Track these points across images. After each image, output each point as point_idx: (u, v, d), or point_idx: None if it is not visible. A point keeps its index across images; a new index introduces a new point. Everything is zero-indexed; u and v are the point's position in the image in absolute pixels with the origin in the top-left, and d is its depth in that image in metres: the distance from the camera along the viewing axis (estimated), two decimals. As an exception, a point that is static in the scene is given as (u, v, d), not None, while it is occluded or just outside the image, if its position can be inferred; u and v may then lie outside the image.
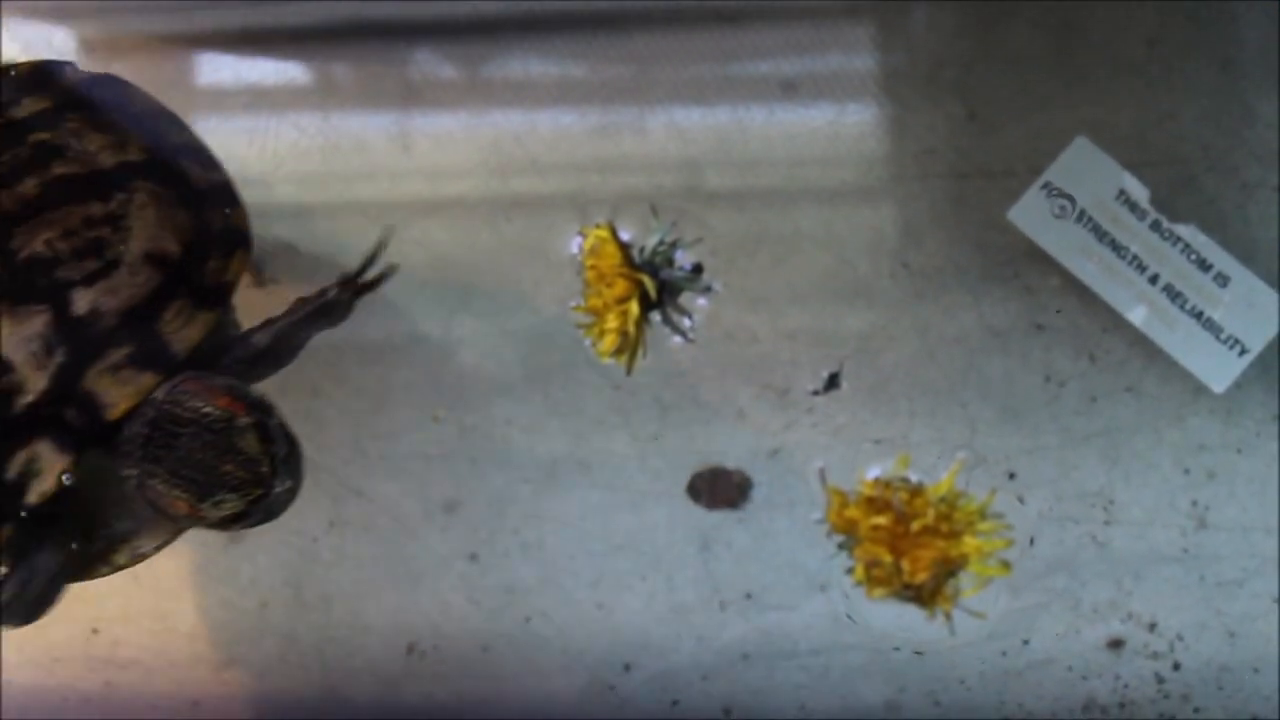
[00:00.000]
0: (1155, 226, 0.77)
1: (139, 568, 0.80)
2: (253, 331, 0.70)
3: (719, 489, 0.80)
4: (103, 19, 0.88)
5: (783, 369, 0.80)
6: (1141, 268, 0.77)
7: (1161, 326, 0.77)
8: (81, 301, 0.63)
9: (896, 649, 0.78)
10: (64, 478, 0.62)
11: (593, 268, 0.63)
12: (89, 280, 0.64)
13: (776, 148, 0.82)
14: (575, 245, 0.62)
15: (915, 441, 0.78)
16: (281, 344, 0.71)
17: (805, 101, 0.82)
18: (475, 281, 0.83)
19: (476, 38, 0.85)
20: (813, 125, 0.82)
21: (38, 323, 0.62)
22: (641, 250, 0.62)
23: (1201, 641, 0.77)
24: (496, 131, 0.84)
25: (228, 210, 0.71)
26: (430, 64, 0.85)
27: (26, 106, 0.71)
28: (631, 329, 0.61)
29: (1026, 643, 0.78)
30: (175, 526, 0.67)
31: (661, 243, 0.61)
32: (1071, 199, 0.78)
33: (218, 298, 0.68)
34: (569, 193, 0.82)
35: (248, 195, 0.76)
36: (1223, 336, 0.76)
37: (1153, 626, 0.77)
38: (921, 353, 0.79)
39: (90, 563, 0.69)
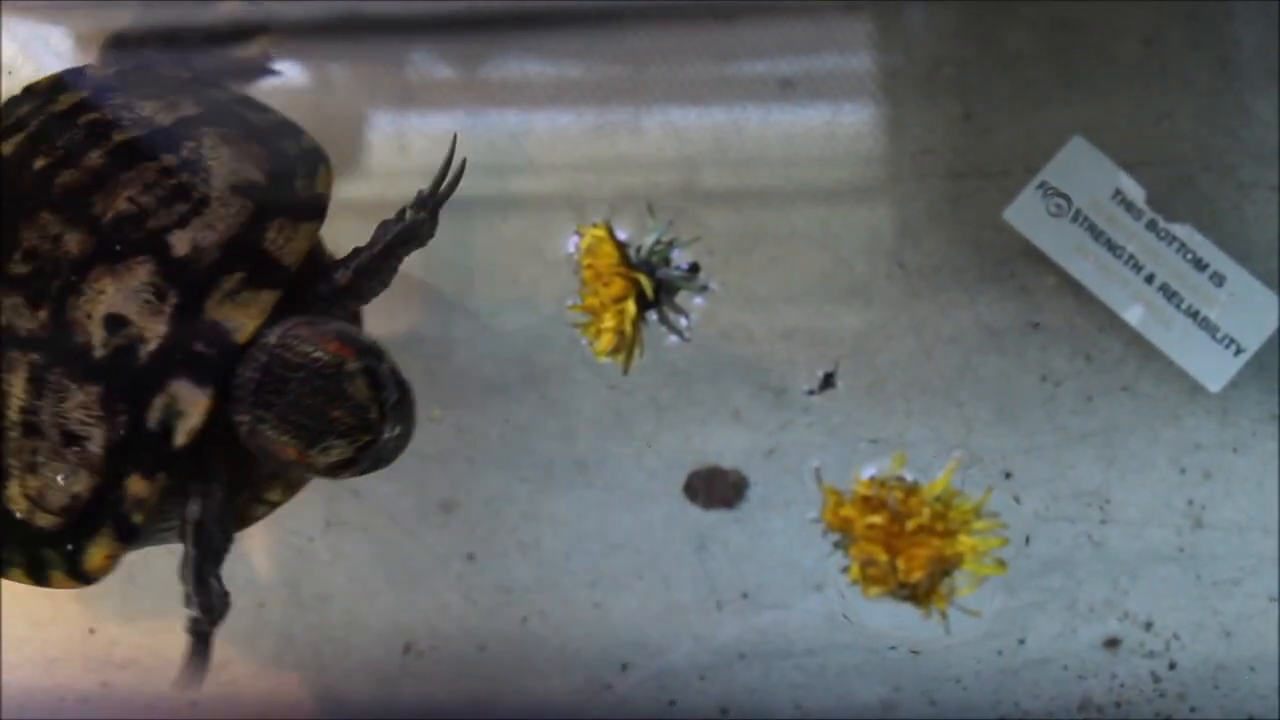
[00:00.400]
0: (1151, 226, 0.77)
1: (135, 567, 0.80)
2: (338, 265, 0.69)
3: (715, 488, 0.80)
4: (98, 17, 0.88)
5: (779, 368, 0.80)
6: (1138, 267, 0.77)
7: (1158, 326, 0.77)
8: (181, 243, 0.63)
9: (892, 648, 0.78)
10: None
11: (589, 267, 0.63)
12: (182, 222, 0.63)
13: (773, 147, 0.82)
14: (572, 244, 0.62)
15: (911, 441, 0.78)
16: (370, 276, 0.70)
17: (802, 101, 0.82)
18: (471, 281, 0.83)
19: (472, 36, 0.85)
20: (809, 124, 0.82)
21: (142, 272, 0.62)
22: (638, 249, 0.62)
23: (1198, 641, 0.77)
24: (492, 131, 0.84)
25: (297, 137, 0.71)
26: (426, 63, 0.85)
27: (63, 102, 0.71)
28: (628, 328, 0.61)
29: (1022, 642, 0.78)
30: (292, 476, 0.68)
31: (658, 242, 0.61)
32: (1068, 198, 0.78)
33: (314, 209, 0.68)
34: (565, 192, 0.82)
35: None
36: (1219, 336, 0.76)
37: (1149, 626, 0.77)
38: (918, 352, 0.79)
39: (245, 506, 0.70)
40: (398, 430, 0.63)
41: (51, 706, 0.85)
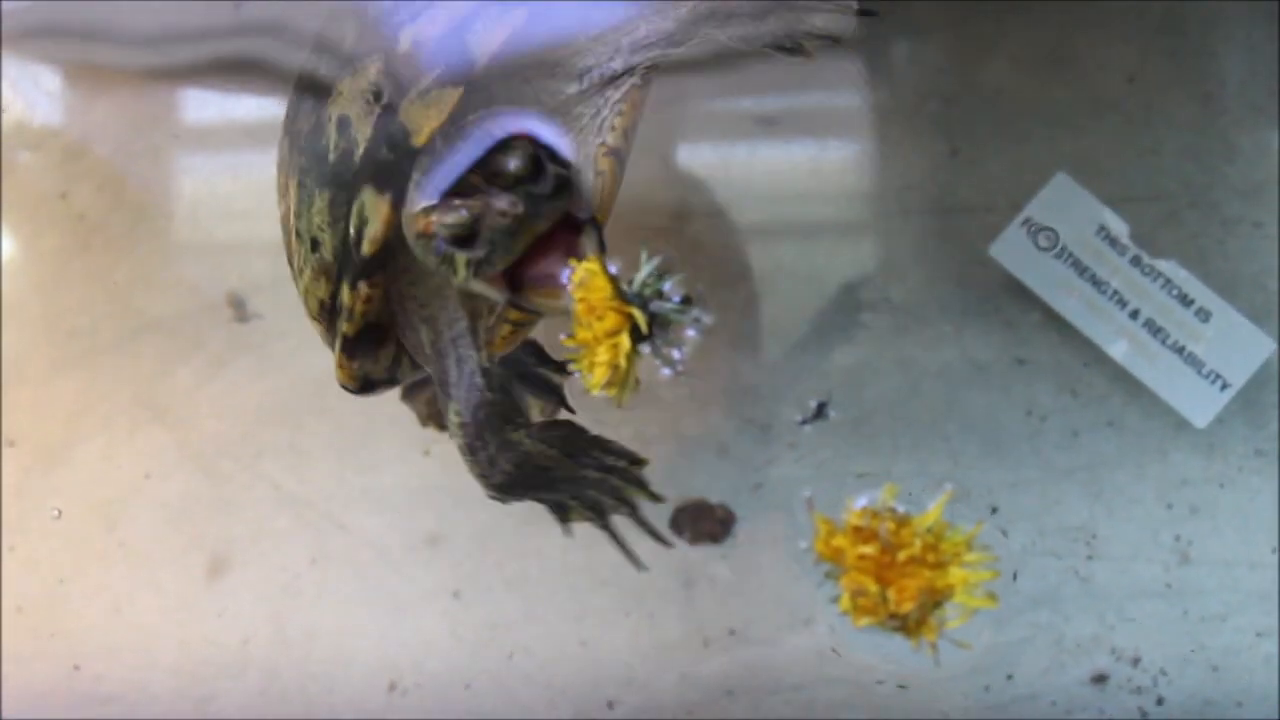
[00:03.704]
0: (1135, 262, 0.77)
1: (120, 603, 0.80)
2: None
3: (702, 523, 0.80)
4: (88, 55, 0.88)
5: (765, 404, 0.80)
6: (1122, 303, 0.77)
7: (1142, 361, 0.77)
8: (406, 39, 0.61)
9: (880, 683, 0.78)
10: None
11: (582, 300, 0.62)
12: (414, 17, 0.62)
13: (758, 183, 0.82)
14: (564, 277, 0.62)
15: (898, 475, 0.78)
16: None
17: (787, 137, 0.82)
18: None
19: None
20: (794, 160, 0.82)
21: (371, 71, 0.61)
22: (630, 283, 0.61)
23: (1185, 676, 0.77)
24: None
25: None
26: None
27: None
28: (622, 362, 0.61)
29: (1010, 678, 0.78)
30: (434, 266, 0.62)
31: (651, 275, 0.61)
32: (1053, 234, 0.78)
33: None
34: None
35: (231, 230, 0.76)
36: (1204, 371, 0.77)
37: (1136, 661, 0.77)
38: (904, 387, 0.79)
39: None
40: (518, 209, 0.56)
41: (34, 743, 0.85)
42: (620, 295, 0.59)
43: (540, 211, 0.57)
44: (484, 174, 0.57)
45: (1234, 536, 0.77)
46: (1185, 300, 0.77)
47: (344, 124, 0.61)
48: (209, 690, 0.83)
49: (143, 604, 0.82)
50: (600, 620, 0.81)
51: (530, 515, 0.80)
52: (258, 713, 0.83)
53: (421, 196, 0.58)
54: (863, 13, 0.66)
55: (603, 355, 0.60)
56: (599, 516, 0.68)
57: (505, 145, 0.58)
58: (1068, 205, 0.78)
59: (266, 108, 0.86)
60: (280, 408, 0.82)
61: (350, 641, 0.83)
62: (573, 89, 0.64)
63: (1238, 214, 0.79)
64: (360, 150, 0.60)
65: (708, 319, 0.59)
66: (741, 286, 0.81)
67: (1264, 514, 0.77)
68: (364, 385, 0.66)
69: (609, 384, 0.60)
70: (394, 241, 0.60)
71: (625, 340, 0.59)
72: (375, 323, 0.63)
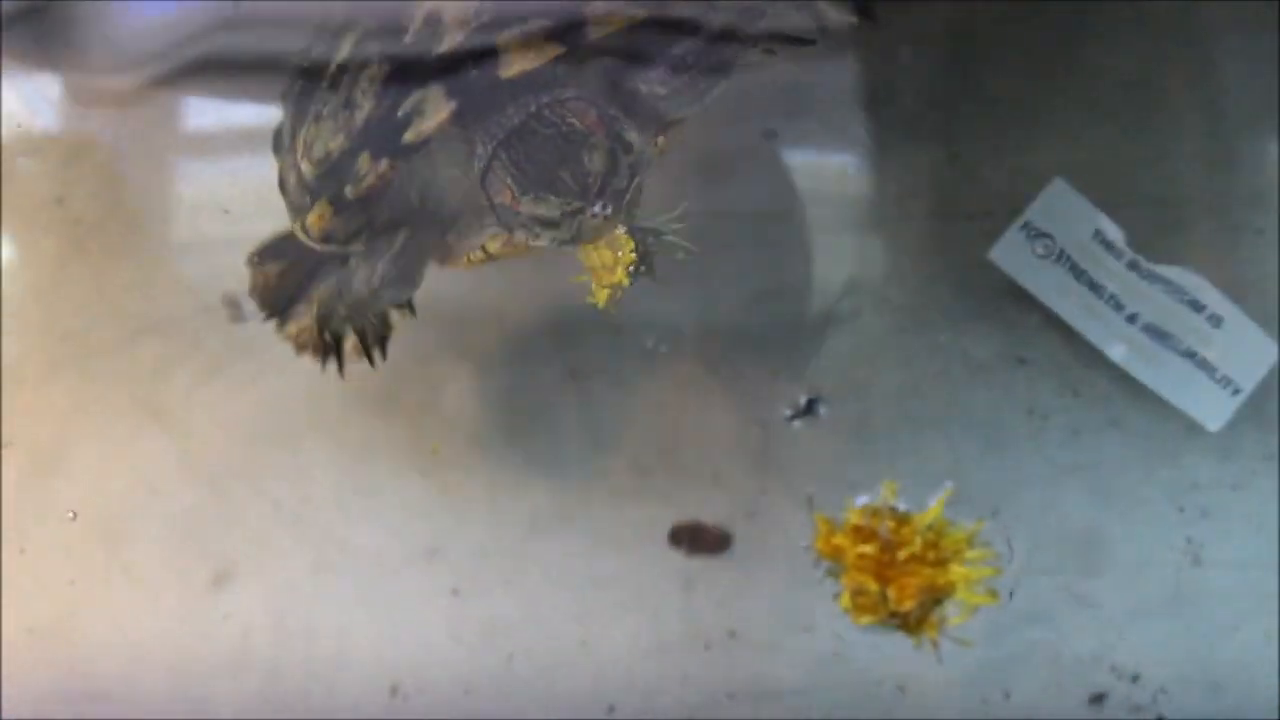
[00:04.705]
0: (1133, 266, 0.77)
1: (120, 605, 0.79)
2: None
3: (699, 542, 0.79)
4: (87, 60, 0.88)
5: (764, 405, 0.80)
6: (1119, 306, 0.77)
7: (1144, 365, 0.77)
8: None
9: (879, 684, 0.77)
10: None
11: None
12: None
13: (759, 188, 0.82)
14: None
15: (899, 476, 0.77)
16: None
17: (788, 143, 0.82)
18: (464, 315, 0.83)
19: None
20: (795, 166, 0.82)
21: None
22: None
23: (1182, 679, 0.77)
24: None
25: None
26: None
27: None
28: (624, 280, 0.65)
29: (1008, 697, 0.77)
30: (497, 224, 0.68)
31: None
32: (1051, 239, 0.78)
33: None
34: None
35: (233, 233, 0.76)
36: (1217, 376, 0.77)
37: (1136, 678, 0.77)
38: (904, 387, 0.79)
39: (449, 249, 0.72)
40: (607, 210, 0.63)
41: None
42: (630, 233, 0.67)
43: (621, 204, 0.64)
44: (571, 172, 0.63)
45: (1246, 542, 0.77)
46: (1197, 306, 0.77)
47: (433, 19, 0.65)
48: (206, 690, 0.82)
49: (142, 607, 0.82)
50: (600, 622, 0.81)
51: (529, 529, 0.80)
52: (257, 714, 0.83)
53: (515, 185, 0.64)
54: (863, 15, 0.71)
55: (606, 273, 0.67)
56: (334, 323, 0.73)
57: (586, 139, 0.63)
58: (1066, 210, 0.78)
59: (263, 112, 0.86)
60: (278, 417, 0.81)
61: (350, 647, 0.83)
62: (654, 88, 0.68)
63: (1242, 220, 0.79)
64: (443, 49, 0.64)
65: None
66: (742, 289, 0.81)
67: (1273, 519, 0.77)
68: (324, 238, 0.69)
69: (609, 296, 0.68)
70: (433, 141, 0.65)
71: (626, 264, 0.68)
72: (374, 194, 0.67)
